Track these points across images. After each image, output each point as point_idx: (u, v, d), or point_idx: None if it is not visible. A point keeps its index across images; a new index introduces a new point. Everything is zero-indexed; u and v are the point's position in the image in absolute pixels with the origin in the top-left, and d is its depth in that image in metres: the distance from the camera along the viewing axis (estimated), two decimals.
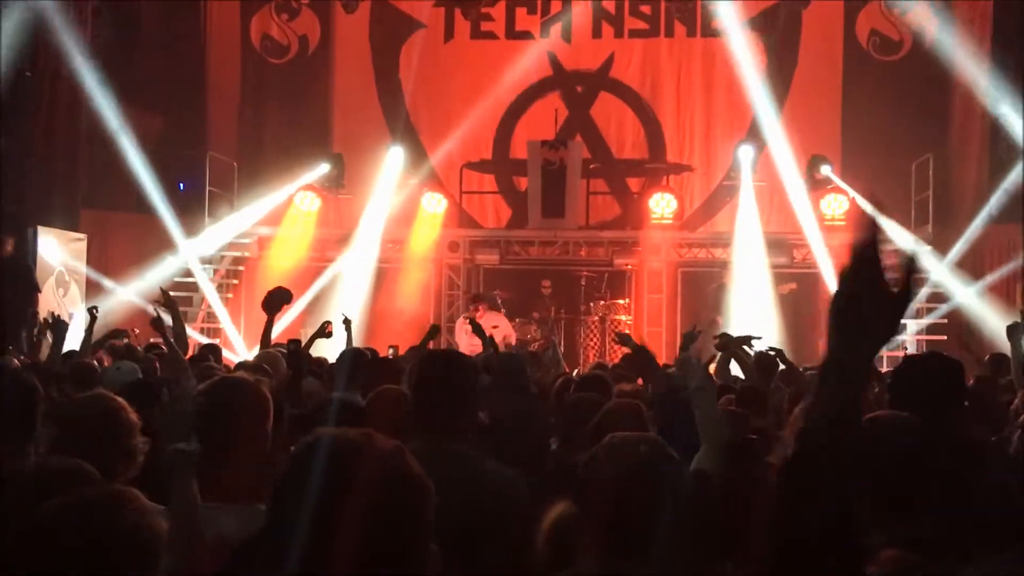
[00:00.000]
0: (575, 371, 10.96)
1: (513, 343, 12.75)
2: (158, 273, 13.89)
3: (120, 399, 3.39)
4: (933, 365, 3.71)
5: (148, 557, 1.91)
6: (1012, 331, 6.21)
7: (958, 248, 13.45)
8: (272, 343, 6.81)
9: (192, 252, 14.65)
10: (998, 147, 14.66)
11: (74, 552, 1.84)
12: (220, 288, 15.40)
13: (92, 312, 7.46)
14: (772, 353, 7.52)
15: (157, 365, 7.03)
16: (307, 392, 5.45)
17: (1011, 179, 13.32)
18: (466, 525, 2.95)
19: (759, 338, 7.58)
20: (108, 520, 1.88)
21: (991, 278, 13.24)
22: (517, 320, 14.07)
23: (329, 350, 8.35)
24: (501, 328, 12.59)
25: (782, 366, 7.38)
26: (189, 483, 2.91)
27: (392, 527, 1.58)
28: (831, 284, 13.70)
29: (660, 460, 2.60)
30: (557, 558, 2.72)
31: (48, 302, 12.42)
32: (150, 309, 7.32)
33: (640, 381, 6.23)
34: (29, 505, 1.98)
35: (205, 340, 12.37)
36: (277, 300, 6.16)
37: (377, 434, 1.68)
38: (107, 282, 13.45)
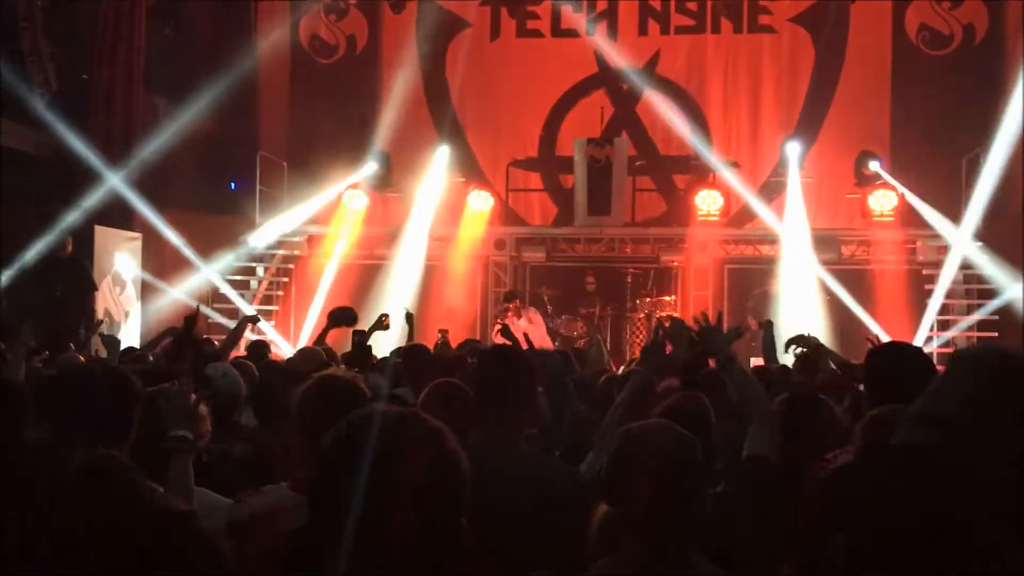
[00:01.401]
0: (620, 368, 11.01)
1: (549, 344, 12.74)
2: (212, 269, 14.16)
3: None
4: (904, 355, 3.74)
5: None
6: None
7: None
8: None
9: (241, 252, 14.89)
10: None
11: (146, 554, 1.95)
12: (271, 286, 15.63)
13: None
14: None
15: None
16: (371, 386, 5.56)
17: None
18: (530, 519, 3.04)
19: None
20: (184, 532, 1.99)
21: None
22: (563, 317, 14.15)
23: (384, 344, 8.46)
24: (535, 327, 12.60)
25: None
26: (187, 467, 3.19)
27: (433, 502, 1.68)
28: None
29: (680, 444, 2.66)
30: (608, 548, 2.80)
31: (105, 300, 12.69)
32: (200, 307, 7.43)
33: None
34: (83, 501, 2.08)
35: (254, 336, 12.57)
36: (342, 319, 6.23)
37: (423, 413, 1.78)
38: (159, 283, 13.70)
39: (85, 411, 3.19)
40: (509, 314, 12.71)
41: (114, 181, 12.91)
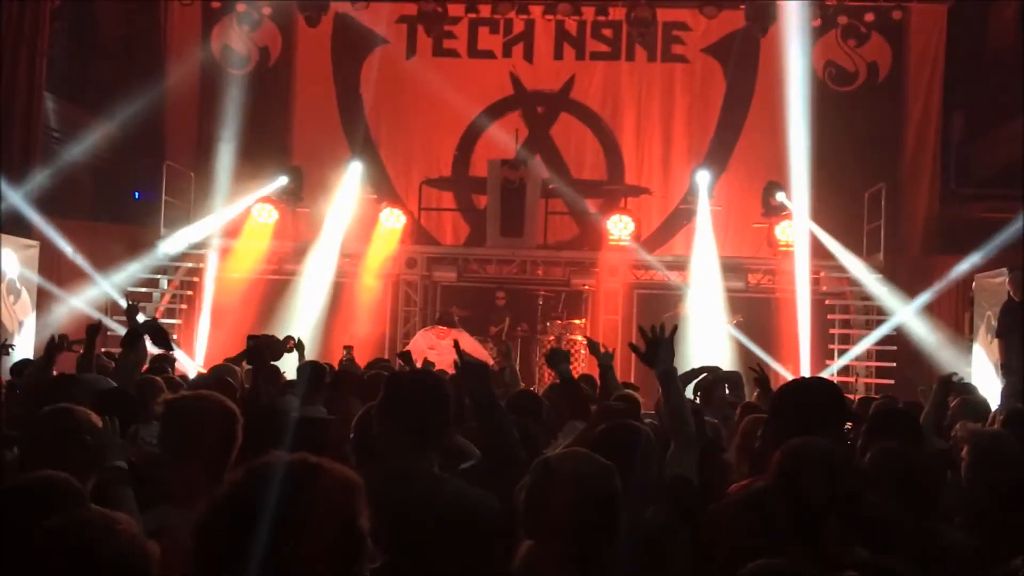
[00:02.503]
0: (532, 389, 10.99)
1: (486, 355, 12.83)
2: (110, 281, 13.73)
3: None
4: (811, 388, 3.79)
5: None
6: (942, 384, 6.05)
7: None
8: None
9: (144, 263, 14.49)
10: (948, 178, 15.03)
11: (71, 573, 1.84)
12: (174, 299, 15.23)
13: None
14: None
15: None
16: (284, 409, 5.44)
17: None
18: (437, 544, 2.95)
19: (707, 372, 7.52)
20: (104, 542, 1.88)
21: (926, 296, 13.44)
22: (474, 338, 14.06)
23: (287, 367, 8.30)
24: (467, 341, 12.64)
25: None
26: (129, 497, 3.09)
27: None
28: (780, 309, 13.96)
29: (601, 475, 2.61)
30: None
31: None
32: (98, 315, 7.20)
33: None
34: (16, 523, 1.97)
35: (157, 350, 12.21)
36: (263, 348, 5.96)
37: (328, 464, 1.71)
38: (57, 291, 13.25)
39: None
40: (442, 334, 12.79)
41: (10, 188, 12.46)
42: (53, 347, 6.24)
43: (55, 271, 13.62)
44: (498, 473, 3.49)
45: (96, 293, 13.66)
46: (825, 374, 13.71)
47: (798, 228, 14.18)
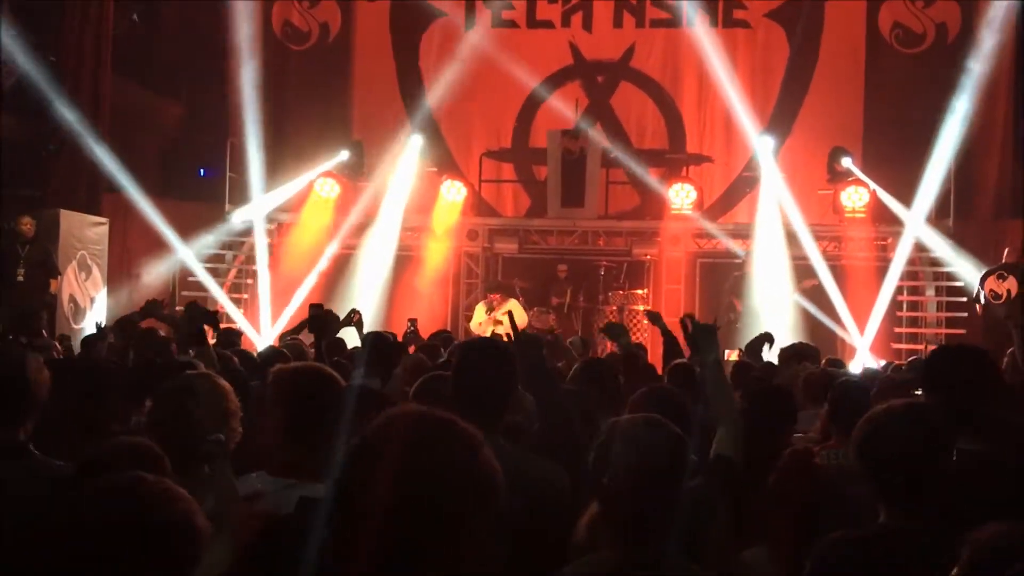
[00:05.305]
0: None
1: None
2: (173, 261, 13.97)
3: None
4: (964, 354, 3.72)
5: (193, 548, 1.94)
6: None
7: None
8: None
9: (208, 241, 14.70)
10: (1020, 141, 14.60)
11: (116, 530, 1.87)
12: (240, 274, 15.45)
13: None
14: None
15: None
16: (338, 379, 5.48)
17: None
18: (511, 516, 2.95)
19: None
20: (156, 508, 1.91)
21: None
22: (535, 309, 14.07)
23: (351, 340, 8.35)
24: (516, 315, 12.66)
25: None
26: (228, 473, 3.09)
27: (461, 518, 1.59)
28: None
29: (669, 443, 2.60)
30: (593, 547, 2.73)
31: (70, 286, 12.50)
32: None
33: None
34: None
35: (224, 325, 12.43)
36: (321, 319, 6.03)
37: (455, 418, 1.67)
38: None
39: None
40: (497, 302, 12.83)
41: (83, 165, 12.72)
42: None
43: (124, 248, 13.89)
44: (554, 442, 3.50)
45: (165, 268, 13.94)
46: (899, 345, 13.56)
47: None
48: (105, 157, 13.29)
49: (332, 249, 14.83)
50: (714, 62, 15.88)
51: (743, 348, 7.38)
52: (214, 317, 6.39)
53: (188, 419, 3.21)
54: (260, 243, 14.96)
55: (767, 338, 7.37)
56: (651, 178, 15.50)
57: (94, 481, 2.01)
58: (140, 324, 7.19)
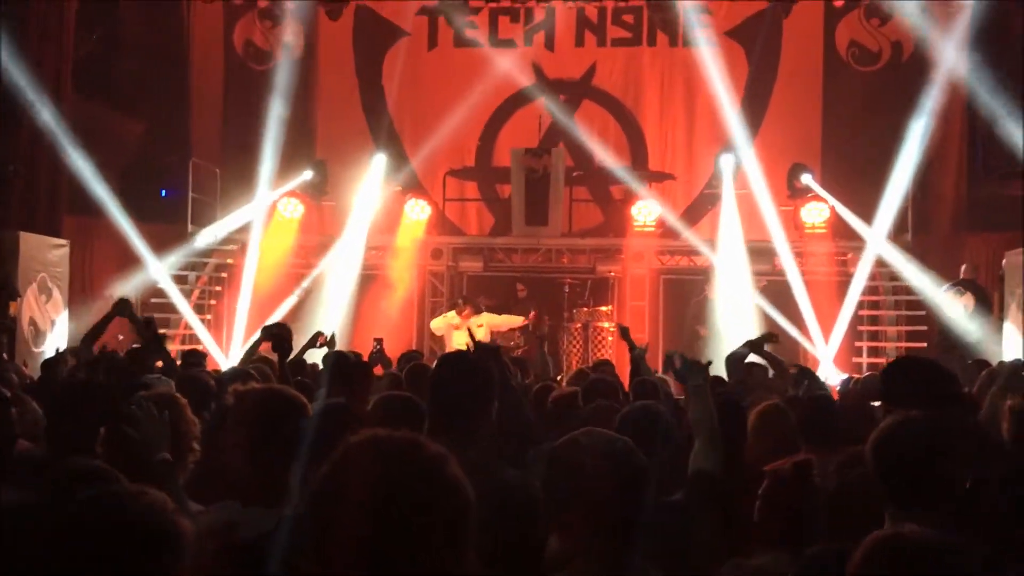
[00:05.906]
0: (559, 377, 11.03)
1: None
2: (139, 280, 13.86)
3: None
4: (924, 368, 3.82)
5: (177, 551, 1.95)
6: None
7: None
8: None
9: (172, 260, 14.59)
10: (976, 156, 14.87)
11: (104, 543, 1.88)
12: (203, 295, 15.35)
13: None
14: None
15: None
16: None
17: None
18: (487, 532, 2.96)
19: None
20: (136, 511, 1.93)
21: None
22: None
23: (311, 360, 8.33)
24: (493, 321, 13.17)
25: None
26: (179, 492, 3.12)
27: (436, 534, 1.63)
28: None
29: (613, 452, 2.62)
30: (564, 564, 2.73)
31: (30, 308, 12.35)
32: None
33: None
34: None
35: (186, 347, 12.35)
36: (276, 336, 6.01)
37: (422, 439, 1.72)
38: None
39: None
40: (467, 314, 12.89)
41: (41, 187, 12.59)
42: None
43: (85, 270, 13.75)
44: (512, 452, 3.52)
45: (126, 290, 13.79)
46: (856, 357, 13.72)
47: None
48: (66, 178, 13.18)
49: (316, 270, 14.75)
50: (675, 80, 16.07)
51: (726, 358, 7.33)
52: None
53: (138, 439, 3.22)
54: (223, 263, 14.88)
55: (768, 338, 7.31)
56: (614, 196, 15.61)
57: (80, 494, 2.03)
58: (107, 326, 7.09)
